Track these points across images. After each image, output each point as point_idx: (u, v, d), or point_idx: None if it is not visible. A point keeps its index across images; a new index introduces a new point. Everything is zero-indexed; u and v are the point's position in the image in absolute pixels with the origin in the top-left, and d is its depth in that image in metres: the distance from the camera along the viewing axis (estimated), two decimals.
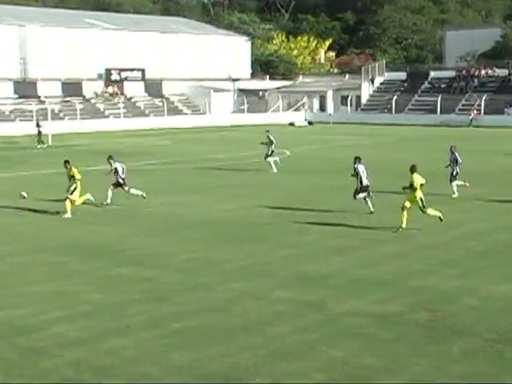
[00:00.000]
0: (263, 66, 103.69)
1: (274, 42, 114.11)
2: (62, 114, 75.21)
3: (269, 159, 37.61)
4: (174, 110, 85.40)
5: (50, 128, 59.20)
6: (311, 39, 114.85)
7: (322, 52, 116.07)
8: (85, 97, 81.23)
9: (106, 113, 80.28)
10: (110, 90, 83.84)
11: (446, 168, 28.97)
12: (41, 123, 55.95)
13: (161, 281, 16.65)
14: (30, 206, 26.90)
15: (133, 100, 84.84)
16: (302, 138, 63.39)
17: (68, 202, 24.76)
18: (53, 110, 68.63)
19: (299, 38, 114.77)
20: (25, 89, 76.76)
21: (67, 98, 79.13)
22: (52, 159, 45.19)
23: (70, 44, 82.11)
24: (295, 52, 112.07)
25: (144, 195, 27.39)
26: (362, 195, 24.91)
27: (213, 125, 79.49)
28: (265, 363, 11.70)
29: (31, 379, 11.12)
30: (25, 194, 27.30)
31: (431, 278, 16.66)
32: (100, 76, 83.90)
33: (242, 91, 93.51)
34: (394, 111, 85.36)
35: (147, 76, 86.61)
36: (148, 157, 45.54)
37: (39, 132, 54.69)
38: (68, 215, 24.67)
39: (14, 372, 11.37)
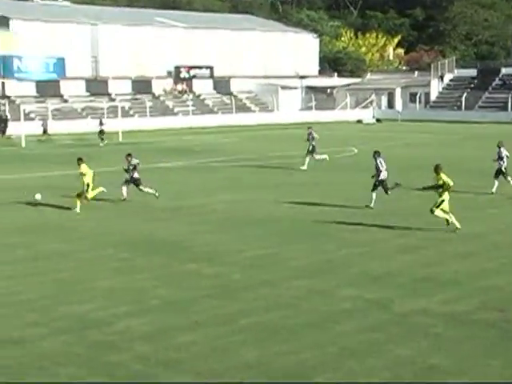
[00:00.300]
0: (331, 63, 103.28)
1: (343, 39, 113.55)
2: (131, 112, 76.13)
3: (317, 156, 37.70)
4: (242, 108, 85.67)
5: (112, 126, 60.12)
6: (380, 36, 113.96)
7: (390, 49, 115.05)
8: (154, 94, 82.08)
9: (175, 110, 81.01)
10: (179, 87, 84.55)
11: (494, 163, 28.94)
12: (103, 121, 56.61)
13: (228, 277, 16.74)
14: (97, 202, 27.32)
15: (201, 97, 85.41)
16: (370, 135, 62.97)
17: (77, 198, 25.61)
18: (123, 108, 69.50)
19: (368, 34, 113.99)
20: (96, 87, 77.96)
21: (137, 96, 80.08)
22: (121, 156, 45.80)
23: (140, 42, 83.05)
24: (363, 49, 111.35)
25: (156, 194, 27.42)
26: (391, 187, 25.30)
27: (280, 122, 79.49)
28: (332, 361, 11.69)
29: (100, 372, 11.30)
30: (38, 197, 27.26)
31: (501, 278, 16.41)
32: (169, 74, 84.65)
33: (309, 88, 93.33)
34: (463, 108, 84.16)
35: (216, 73, 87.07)
36: (216, 154, 45.78)
37: (101, 130, 55.33)
38: (77, 210, 25.38)
39: (84, 365, 11.57)
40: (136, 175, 27.63)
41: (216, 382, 11.01)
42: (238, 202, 27.25)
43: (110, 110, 69.93)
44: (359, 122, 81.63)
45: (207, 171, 37.35)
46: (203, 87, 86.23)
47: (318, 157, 37.91)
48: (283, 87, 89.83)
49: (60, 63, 75.89)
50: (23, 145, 53.60)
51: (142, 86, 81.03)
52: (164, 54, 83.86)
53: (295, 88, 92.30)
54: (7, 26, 75.36)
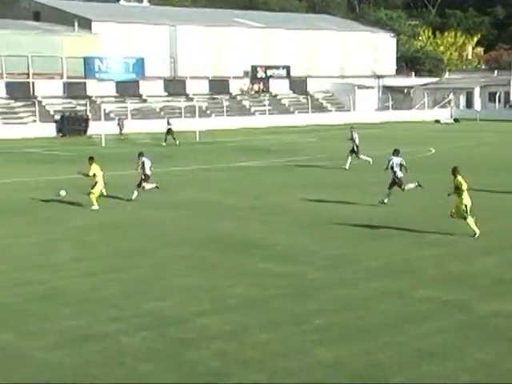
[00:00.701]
0: (409, 62, 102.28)
1: (420, 38, 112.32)
2: (208, 111, 76.76)
3: (361, 156, 37.78)
4: (319, 107, 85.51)
5: (189, 125, 60.68)
6: (458, 35, 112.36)
7: (469, 48, 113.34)
8: (231, 94, 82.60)
9: (252, 110, 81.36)
10: (256, 87, 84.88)
11: None
12: (171, 121, 57.05)
13: (303, 277, 16.77)
14: (174, 200, 27.69)
15: (278, 97, 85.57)
16: (448, 135, 62.14)
17: (92, 196, 26.35)
18: (200, 107, 70.14)
19: (446, 33, 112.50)
20: (174, 87, 78.85)
21: (214, 96, 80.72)
22: (199, 155, 46.31)
23: (217, 42, 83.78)
24: (442, 48, 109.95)
25: (158, 186, 28.08)
26: (411, 185, 25.96)
27: (357, 122, 78.95)
28: (409, 363, 11.62)
29: (179, 369, 11.47)
30: (62, 193, 27.75)
31: None
32: (246, 73, 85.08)
33: (386, 88, 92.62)
34: None
35: (292, 73, 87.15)
36: (292, 153, 45.85)
37: (169, 129, 55.73)
38: (95, 207, 26.01)
39: (163, 362, 11.76)
40: (148, 172, 28.12)
41: (292, 382, 11.08)
42: (315, 202, 27.24)
43: (188, 109, 70.67)
44: (437, 121, 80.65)
45: (284, 171, 37.42)
46: (280, 87, 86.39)
47: (361, 157, 37.90)
48: (360, 87, 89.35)
49: (139, 63, 77.07)
50: (103, 144, 54.58)
51: (219, 85, 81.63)
52: (241, 54, 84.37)
53: (372, 88, 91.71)
54: (89, 28, 76.89)
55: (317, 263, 18.06)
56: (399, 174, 25.85)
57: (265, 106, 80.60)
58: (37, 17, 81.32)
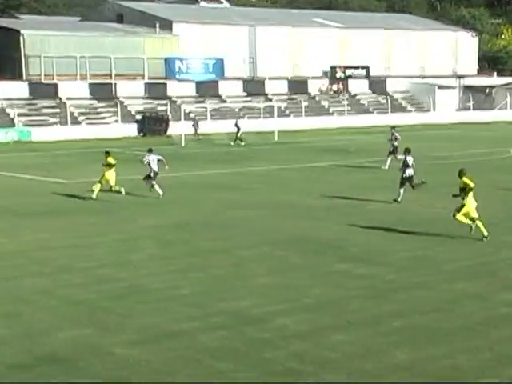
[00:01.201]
0: (490, 61, 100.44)
1: (503, 36, 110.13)
2: (287, 112, 76.84)
3: (398, 157, 37.20)
4: (398, 107, 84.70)
5: (268, 125, 60.80)
6: None
7: None
8: (310, 94, 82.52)
9: (330, 110, 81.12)
10: (335, 87, 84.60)
11: None
12: (239, 122, 57.16)
13: (381, 278, 16.67)
14: (251, 200, 27.82)
15: (357, 97, 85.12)
16: None
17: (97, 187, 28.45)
18: (279, 108, 70.28)
19: None
20: (253, 87, 79.15)
21: (293, 96, 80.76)
22: (277, 155, 46.41)
23: (296, 43, 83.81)
24: None
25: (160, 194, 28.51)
26: (417, 184, 26.89)
27: (437, 122, 78.10)
28: (489, 367, 11.44)
29: (257, 369, 11.52)
30: (94, 189, 28.46)
31: None
32: (325, 74, 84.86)
33: (467, 88, 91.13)
34: None
35: (371, 73, 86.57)
36: (371, 154, 45.52)
37: (238, 130, 55.85)
38: (94, 196, 28.12)
39: (241, 361, 11.84)
40: (155, 168, 29.14)
41: (368, 383, 11.03)
42: (393, 203, 27.02)
43: (266, 109, 70.88)
44: None
45: (361, 171, 37.23)
46: (359, 87, 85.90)
47: (399, 157, 37.55)
48: (440, 87, 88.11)
49: (219, 64, 77.65)
50: (183, 144, 55.18)
51: (297, 86, 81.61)
52: (320, 54, 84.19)
53: (452, 88, 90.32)
54: (170, 29, 77.86)
55: (394, 264, 17.93)
56: (409, 172, 26.74)
57: (343, 106, 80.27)
58: (120, 19, 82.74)
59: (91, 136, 62.67)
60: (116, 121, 68.13)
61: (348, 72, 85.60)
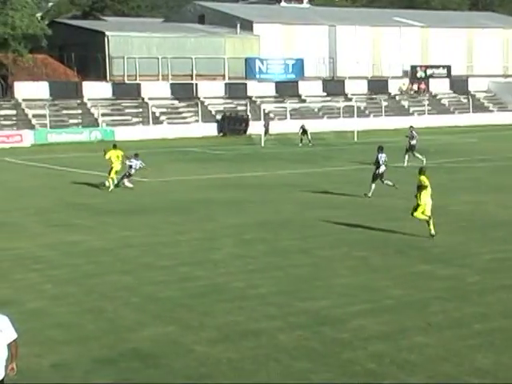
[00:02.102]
0: None
1: None
2: (367, 111, 76.40)
3: (416, 154, 39.35)
4: (480, 107, 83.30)
5: (348, 125, 60.56)
6: None
7: None
8: (390, 94, 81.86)
9: (411, 110, 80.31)
10: (415, 87, 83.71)
11: None
12: (305, 123, 56.89)
13: (463, 280, 16.49)
14: (330, 200, 27.79)
15: (437, 97, 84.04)
16: None
17: (110, 180, 31.94)
18: (359, 108, 69.93)
19: None
20: (333, 87, 78.94)
21: (373, 96, 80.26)
22: (357, 155, 46.19)
23: (376, 42, 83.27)
24: None
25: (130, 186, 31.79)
26: (389, 182, 28.69)
27: None
28: None
29: (335, 369, 11.54)
30: (107, 183, 31.70)
31: None
32: (405, 73, 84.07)
33: None
34: None
35: (453, 72, 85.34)
36: (452, 154, 44.98)
37: (304, 130, 55.55)
38: (112, 187, 31.59)
39: (319, 361, 11.87)
40: (132, 172, 32.17)
41: None
42: (477, 204, 26.68)
43: (346, 109, 70.62)
44: None
45: (443, 172, 36.77)
46: (440, 86, 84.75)
47: (417, 155, 39.39)
48: None
49: (299, 64, 77.71)
50: (262, 144, 55.42)
51: (377, 85, 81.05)
52: (400, 54, 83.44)
53: None
54: (251, 29, 78.28)
55: (477, 266, 17.70)
56: (382, 169, 28.56)
57: (424, 106, 79.35)
58: (201, 20, 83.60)
59: (172, 135, 63.56)
60: (196, 120, 68.87)
61: (429, 71, 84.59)
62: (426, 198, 21.05)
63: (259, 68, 76.04)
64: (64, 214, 26.20)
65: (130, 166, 32.06)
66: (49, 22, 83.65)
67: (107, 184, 31.83)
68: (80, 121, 65.89)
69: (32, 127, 63.01)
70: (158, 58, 71.55)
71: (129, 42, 71.90)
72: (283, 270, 17.55)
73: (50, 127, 62.70)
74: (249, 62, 75.66)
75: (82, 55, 70.98)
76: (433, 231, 21.00)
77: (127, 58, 70.38)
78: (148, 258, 19.05)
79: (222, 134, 66.43)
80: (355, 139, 58.14)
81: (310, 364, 11.74)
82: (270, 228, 22.90)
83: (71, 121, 65.79)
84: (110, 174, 31.91)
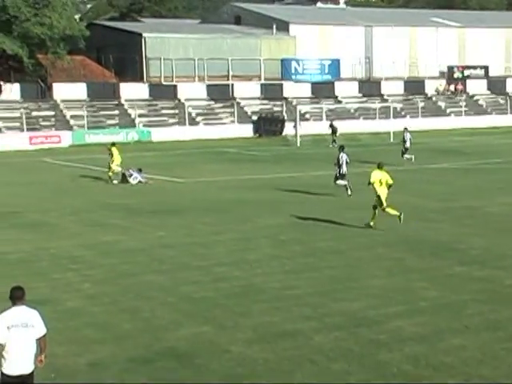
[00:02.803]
0: None
1: None
2: (403, 112, 75.98)
3: (406, 156, 41.16)
4: None
5: (384, 126, 60.34)
6: None
7: None
8: (426, 95, 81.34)
9: (447, 111, 79.74)
10: (452, 87, 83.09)
11: None
12: (334, 123, 56.59)
13: (500, 282, 16.34)
14: (365, 201, 27.68)
15: (475, 98, 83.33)
16: None
17: (110, 173, 35.28)
18: (395, 109, 69.57)
19: None
20: (369, 88, 78.64)
21: (409, 97, 79.80)
22: (393, 156, 45.97)
23: (412, 43, 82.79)
24: None
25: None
26: (342, 182, 28.79)
27: None
28: None
29: (371, 371, 11.52)
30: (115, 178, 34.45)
31: None
32: (442, 74, 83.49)
33: None
34: None
35: (490, 73, 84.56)
36: (489, 155, 44.59)
37: (333, 130, 55.31)
38: (116, 182, 34.90)
39: (355, 362, 11.85)
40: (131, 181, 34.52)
41: None
42: (511, 206, 26.42)
43: (382, 110, 70.32)
44: None
45: (480, 173, 36.51)
46: (477, 87, 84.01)
47: (407, 156, 41.20)
48: None
49: (335, 65, 77.52)
50: (298, 145, 55.38)
51: (414, 86, 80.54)
52: (437, 54, 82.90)
53: None
54: (287, 30, 78.27)
55: None
56: (344, 169, 28.89)
57: (461, 106, 78.76)
58: (238, 21, 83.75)
59: (208, 136, 63.75)
60: (232, 121, 69.00)
61: (466, 72, 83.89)
62: (383, 190, 22.43)
63: (295, 69, 75.97)
64: (100, 214, 26.42)
65: (130, 175, 34.71)
66: (87, 23, 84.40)
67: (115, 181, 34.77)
68: (117, 122, 66.34)
69: (70, 128, 63.58)
70: (194, 59, 71.80)
71: (165, 43, 72.25)
72: (319, 271, 17.53)
73: (88, 128, 63.23)
74: (285, 63, 75.64)
75: (119, 56, 71.50)
76: (371, 223, 22.32)
77: (164, 59, 70.71)
78: (183, 258, 19.13)
79: (257, 135, 66.49)
80: (391, 140, 57.87)
81: (347, 365, 11.73)
82: (306, 229, 22.89)
83: (108, 121, 66.27)
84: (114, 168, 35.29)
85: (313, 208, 26.75)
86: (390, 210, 22.52)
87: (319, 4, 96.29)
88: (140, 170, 34.99)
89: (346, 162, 29.11)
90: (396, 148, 51.95)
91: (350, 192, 28.75)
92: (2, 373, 9.29)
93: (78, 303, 15.27)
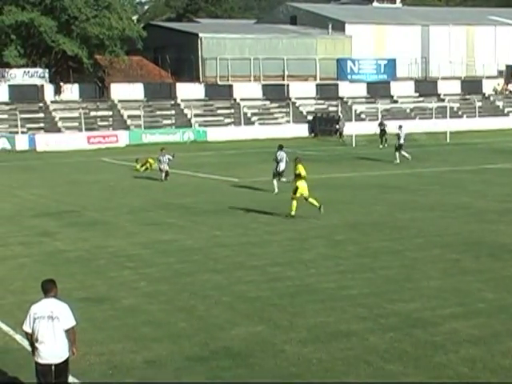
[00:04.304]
0: None
1: None
2: (460, 112, 75.21)
3: (403, 152, 41.78)
4: None
5: (440, 127, 59.82)
6: None
7: None
8: (484, 94, 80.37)
9: (506, 110, 78.68)
10: (511, 87, 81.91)
11: None
12: (385, 122, 56.05)
13: None
14: (422, 201, 27.48)
15: None
16: None
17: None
18: (451, 108, 68.89)
19: None
20: (425, 87, 78.02)
21: (466, 96, 78.93)
22: (450, 157, 45.58)
23: (470, 42, 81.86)
24: None
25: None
26: (283, 179, 29.48)
27: None
28: None
29: (426, 372, 11.42)
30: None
31: None
32: (500, 73, 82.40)
33: None
34: None
35: None
36: None
37: (382, 131, 54.76)
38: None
39: (410, 363, 11.77)
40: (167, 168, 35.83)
41: None
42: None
43: (438, 110, 69.69)
44: None
45: None
46: None
47: (403, 153, 42.12)
48: None
49: (391, 64, 77.07)
50: (353, 145, 55.18)
51: (471, 86, 79.70)
52: (495, 53, 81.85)
53: None
54: (343, 30, 78.05)
55: None
56: (282, 167, 29.78)
57: None
58: (293, 21, 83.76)
59: (263, 136, 63.85)
60: (288, 121, 69.05)
61: None
62: (302, 183, 24.47)
63: (351, 68, 75.70)
64: (156, 213, 26.68)
65: (160, 161, 36.00)
66: (144, 24, 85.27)
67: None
68: (173, 121, 66.91)
69: (127, 128, 64.34)
70: (250, 59, 72.05)
71: (221, 44, 72.64)
72: (374, 272, 17.46)
73: (145, 128, 63.88)
74: (340, 63, 75.44)
75: (175, 57, 72.12)
76: (293, 213, 24.33)
77: (220, 60, 71.12)
78: (239, 258, 19.22)
79: (313, 135, 66.41)
80: (447, 140, 57.32)
81: (402, 367, 11.66)
82: (361, 229, 22.81)
83: (165, 121, 66.90)
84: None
85: (368, 208, 26.64)
86: (294, 202, 24.57)
87: (375, 3, 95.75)
88: (162, 149, 36.91)
89: (286, 162, 29.96)
90: (453, 148, 51.56)
91: (277, 190, 29.99)
92: (35, 361, 10.01)
93: (135, 301, 15.46)
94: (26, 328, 9.94)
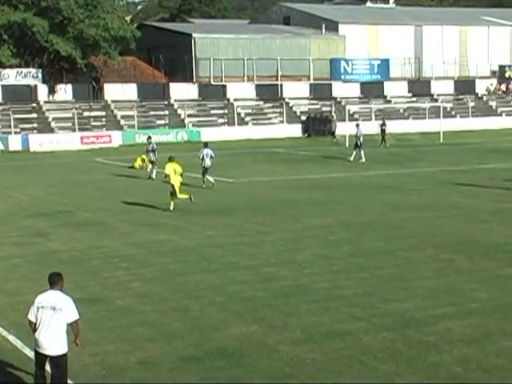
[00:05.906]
0: None
1: None
2: (453, 112, 75.29)
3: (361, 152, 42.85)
4: None
5: (434, 127, 59.83)
6: None
7: None
8: (477, 94, 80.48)
9: (498, 110, 78.80)
10: (504, 87, 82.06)
11: None
12: (386, 122, 56.12)
13: None
14: (414, 201, 27.53)
15: None
16: None
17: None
18: (445, 108, 68.94)
19: None
20: (418, 87, 78.07)
21: (459, 96, 79.04)
22: (443, 157, 45.65)
23: (463, 42, 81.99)
24: None
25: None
26: (210, 178, 31.57)
27: None
28: None
29: (420, 372, 11.46)
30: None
31: None
32: (493, 73, 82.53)
33: None
34: None
35: None
36: None
37: (383, 131, 54.85)
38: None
39: (404, 363, 11.80)
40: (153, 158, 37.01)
41: None
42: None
43: (432, 110, 69.77)
44: None
45: None
46: None
47: (361, 152, 42.96)
48: None
49: (384, 65, 77.06)
50: (347, 145, 55.19)
51: (464, 86, 79.75)
52: (488, 53, 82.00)
53: None
54: (336, 30, 78.08)
55: None
56: (207, 163, 31.65)
57: None
58: (287, 21, 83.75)
59: (257, 136, 63.85)
60: (281, 121, 69.00)
61: None
62: (175, 180, 26.24)
63: (344, 69, 75.68)
64: (150, 213, 26.66)
65: (147, 151, 37.59)
66: (137, 24, 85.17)
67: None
68: (167, 122, 66.81)
69: (120, 128, 64.21)
70: (243, 60, 71.99)
71: (215, 44, 72.59)
72: (367, 272, 17.48)
73: (138, 128, 63.77)
74: (334, 63, 75.43)
75: (169, 57, 71.98)
76: (171, 207, 26.12)
77: (213, 60, 71.04)
78: (233, 258, 19.23)
79: (306, 135, 66.43)
80: (441, 140, 57.40)
81: (395, 366, 11.69)
82: (355, 229, 22.83)
83: (158, 122, 66.77)
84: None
85: (361, 208, 26.67)
86: (181, 196, 26.51)
87: (368, 3, 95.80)
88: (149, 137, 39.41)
89: (211, 157, 31.82)
90: (446, 148, 51.65)
91: (211, 181, 31.95)
92: (34, 349, 10.36)
93: (129, 302, 15.45)
94: (31, 317, 10.23)
